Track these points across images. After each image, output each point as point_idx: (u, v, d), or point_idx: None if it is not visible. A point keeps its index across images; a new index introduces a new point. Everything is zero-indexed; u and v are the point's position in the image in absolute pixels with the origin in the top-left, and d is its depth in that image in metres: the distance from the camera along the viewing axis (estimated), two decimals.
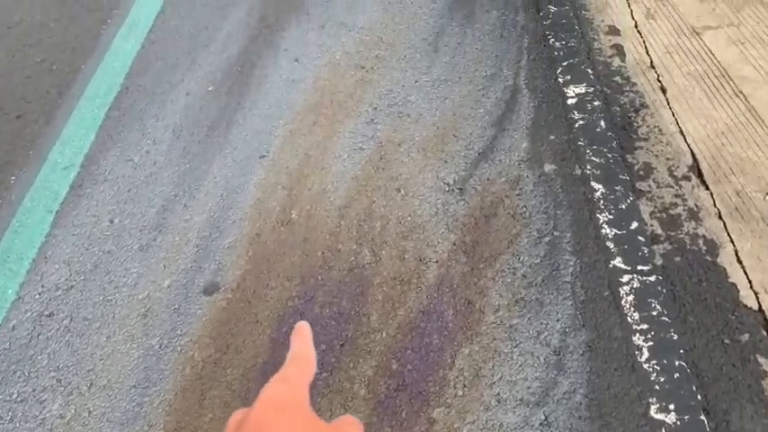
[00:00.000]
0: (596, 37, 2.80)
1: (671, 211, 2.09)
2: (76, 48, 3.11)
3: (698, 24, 2.74)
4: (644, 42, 2.72)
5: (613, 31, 2.82)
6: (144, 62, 2.99)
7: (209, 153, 2.50)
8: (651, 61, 2.62)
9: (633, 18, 2.85)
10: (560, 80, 2.61)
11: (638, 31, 2.78)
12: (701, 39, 2.66)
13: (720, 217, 2.04)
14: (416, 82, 2.71)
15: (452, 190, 2.25)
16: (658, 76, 2.55)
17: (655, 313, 1.82)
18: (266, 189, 2.33)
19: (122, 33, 3.17)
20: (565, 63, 2.69)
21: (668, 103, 2.44)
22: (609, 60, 2.67)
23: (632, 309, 1.84)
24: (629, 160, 2.27)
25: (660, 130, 2.34)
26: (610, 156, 2.28)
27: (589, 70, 2.63)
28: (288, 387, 0.42)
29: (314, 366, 0.46)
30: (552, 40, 2.81)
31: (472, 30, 2.93)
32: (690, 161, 2.22)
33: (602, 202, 2.13)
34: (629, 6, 2.92)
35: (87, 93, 2.84)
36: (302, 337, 0.48)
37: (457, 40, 2.89)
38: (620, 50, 2.71)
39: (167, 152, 2.52)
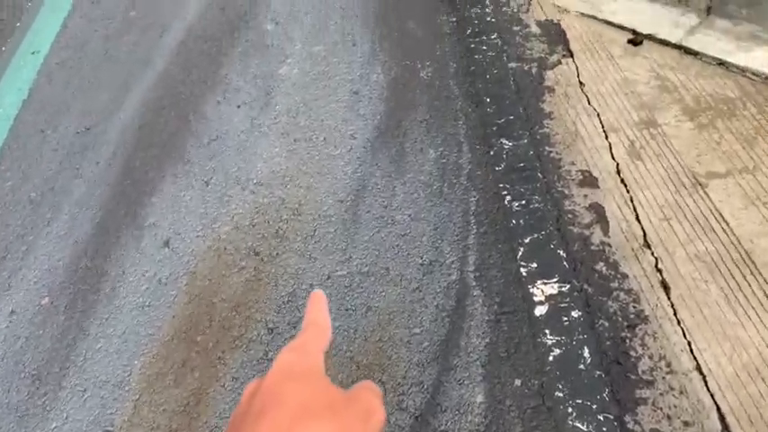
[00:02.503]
0: (567, 191, 2.08)
1: None
2: None
3: (700, 169, 2.04)
4: (631, 200, 2.01)
5: (589, 180, 2.11)
6: None
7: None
8: (645, 235, 1.92)
9: (613, 158, 2.14)
10: (523, 272, 1.89)
11: (622, 180, 2.07)
12: (707, 194, 1.97)
13: None
14: (329, 278, 1.96)
15: None
16: (657, 260, 1.85)
17: None
18: None
19: None
20: (527, 240, 1.97)
21: (675, 313, 1.74)
22: (587, 233, 1.96)
23: None
24: (630, 426, 1.56)
25: (669, 366, 1.64)
26: (602, 418, 1.57)
27: (561, 252, 1.92)
28: (301, 355, 0.40)
29: (329, 334, 0.45)
30: (508, 197, 2.09)
31: (402, 183, 2.19)
32: (718, 428, 1.52)
33: None
34: (607, 138, 2.21)
35: None
36: (318, 304, 0.47)
37: (382, 201, 2.15)
38: (600, 215, 2.00)
39: None
